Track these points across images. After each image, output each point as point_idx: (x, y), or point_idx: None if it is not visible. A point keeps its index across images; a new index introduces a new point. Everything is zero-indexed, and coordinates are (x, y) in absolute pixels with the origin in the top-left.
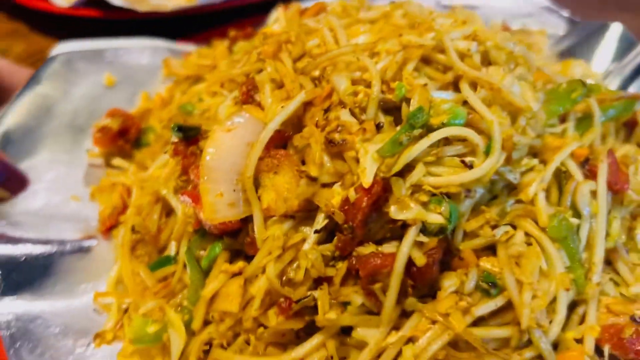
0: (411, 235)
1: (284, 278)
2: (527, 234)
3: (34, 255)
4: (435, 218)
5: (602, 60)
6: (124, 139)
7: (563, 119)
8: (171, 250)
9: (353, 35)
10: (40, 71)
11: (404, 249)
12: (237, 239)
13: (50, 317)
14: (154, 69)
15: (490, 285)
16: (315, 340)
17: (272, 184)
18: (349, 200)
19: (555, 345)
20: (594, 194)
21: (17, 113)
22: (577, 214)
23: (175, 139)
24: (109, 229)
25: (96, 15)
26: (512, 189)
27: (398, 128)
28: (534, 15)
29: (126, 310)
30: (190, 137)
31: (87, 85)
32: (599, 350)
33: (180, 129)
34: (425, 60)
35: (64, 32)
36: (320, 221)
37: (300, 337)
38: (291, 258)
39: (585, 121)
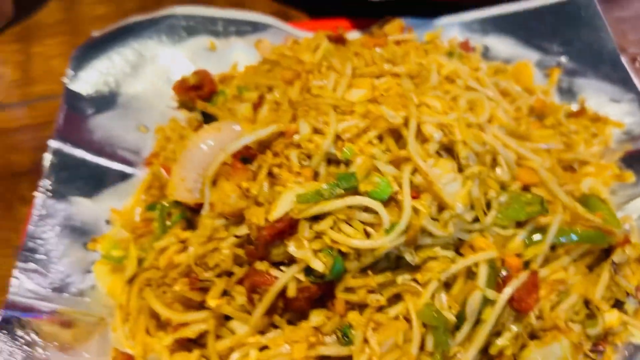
0: (292, 270)
1: (202, 260)
2: None
3: (90, 162)
4: (317, 265)
5: None
6: (197, 93)
7: (523, 223)
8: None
9: (358, 86)
10: (160, 23)
11: (282, 279)
12: (195, 214)
13: (73, 211)
14: (252, 45)
15: (342, 335)
16: (202, 314)
17: (222, 187)
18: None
19: None
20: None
21: (131, 47)
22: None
23: (199, 118)
24: (150, 164)
25: None
26: (417, 267)
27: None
28: (622, 102)
29: None
30: (209, 121)
31: (192, 45)
32: None
33: (203, 113)
34: (396, 134)
35: None
36: (243, 230)
37: (203, 307)
38: (212, 248)
39: (541, 234)
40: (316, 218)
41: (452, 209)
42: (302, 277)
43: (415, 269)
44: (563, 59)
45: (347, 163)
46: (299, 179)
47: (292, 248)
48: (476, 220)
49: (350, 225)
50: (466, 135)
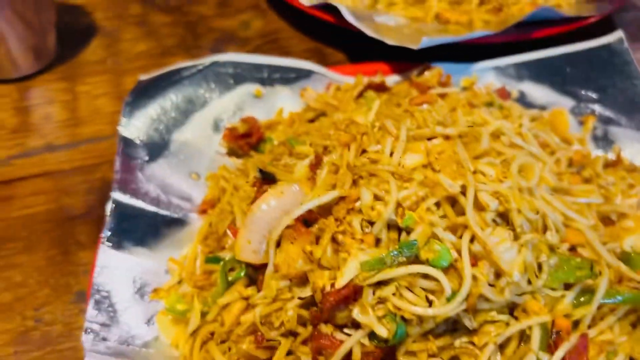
0: (357, 335)
1: (267, 319)
2: None
3: (148, 212)
4: (381, 331)
5: None
6: (245, 141)
7: (571, 284)
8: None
9: (413, 150)
10: (208, 70)
11: (347, 343)
12: (257, 272)
13: (134, 262)
14: (297, 92)
15: None
16: None
17: (286, 250)
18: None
19: None
20: None
21: (179, 94)
22: None
23: (257, 175)
24: (203, 212)
25: (328, 20)
26: (473, 330)
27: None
28: None
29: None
30: (267, 178)
31: (239, 92)
32: None
33: (261, 171)
34: (451, 200)
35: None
36: (307, 292)
37: None
38: (277, 308)
39: (588, 295)
40: (379, 284)
41: (509, 276)
42: (366, 341)
43: (471, 332)
44: (597, 107)
45: (408, 230)
46: (362, 245)
47: (356, 314)
48: (528, 282)
49: (411, 291)
50: (520, 204)
